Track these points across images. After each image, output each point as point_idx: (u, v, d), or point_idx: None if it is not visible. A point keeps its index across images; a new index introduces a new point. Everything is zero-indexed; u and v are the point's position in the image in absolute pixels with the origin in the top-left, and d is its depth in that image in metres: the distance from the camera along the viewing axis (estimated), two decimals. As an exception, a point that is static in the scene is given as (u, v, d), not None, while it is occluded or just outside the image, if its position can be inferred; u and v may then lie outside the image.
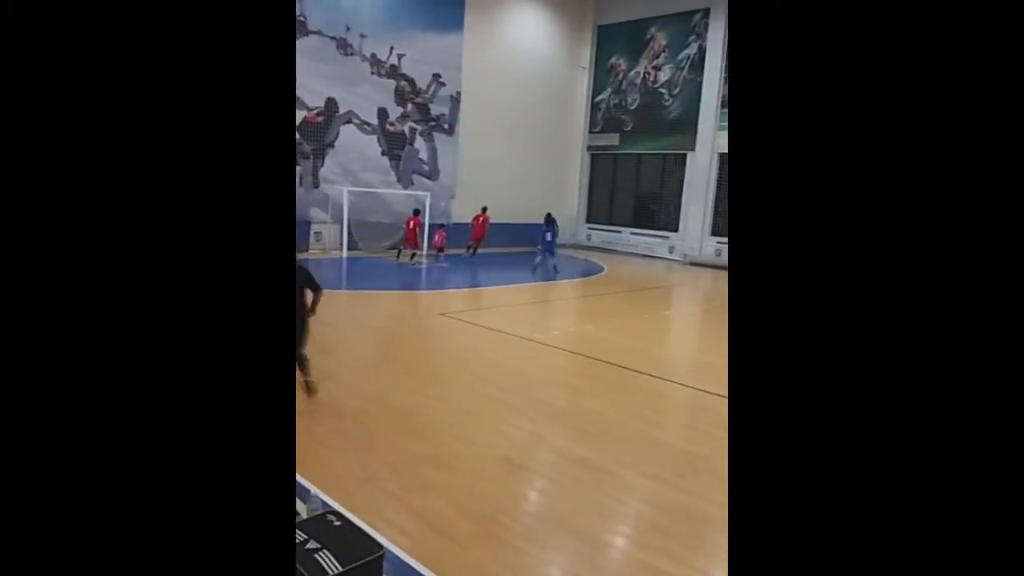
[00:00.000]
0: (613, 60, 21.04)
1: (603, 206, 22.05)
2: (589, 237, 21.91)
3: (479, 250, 16.77)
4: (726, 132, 18.18)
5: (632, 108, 20.64)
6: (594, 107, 21.70)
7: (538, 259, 14.88)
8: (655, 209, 20.38)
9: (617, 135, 21.11)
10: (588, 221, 22.26)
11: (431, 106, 17.58)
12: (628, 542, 3.54)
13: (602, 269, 16.00)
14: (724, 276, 16.23)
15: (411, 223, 14.84)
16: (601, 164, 21.99)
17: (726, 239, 17.83)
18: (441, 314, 9.36)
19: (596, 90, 21.61)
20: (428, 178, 17.82)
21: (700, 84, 18.69)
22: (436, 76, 17.51)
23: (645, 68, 20.19)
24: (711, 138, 18.52)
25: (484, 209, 16.61)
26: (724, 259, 17.65)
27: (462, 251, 16.69)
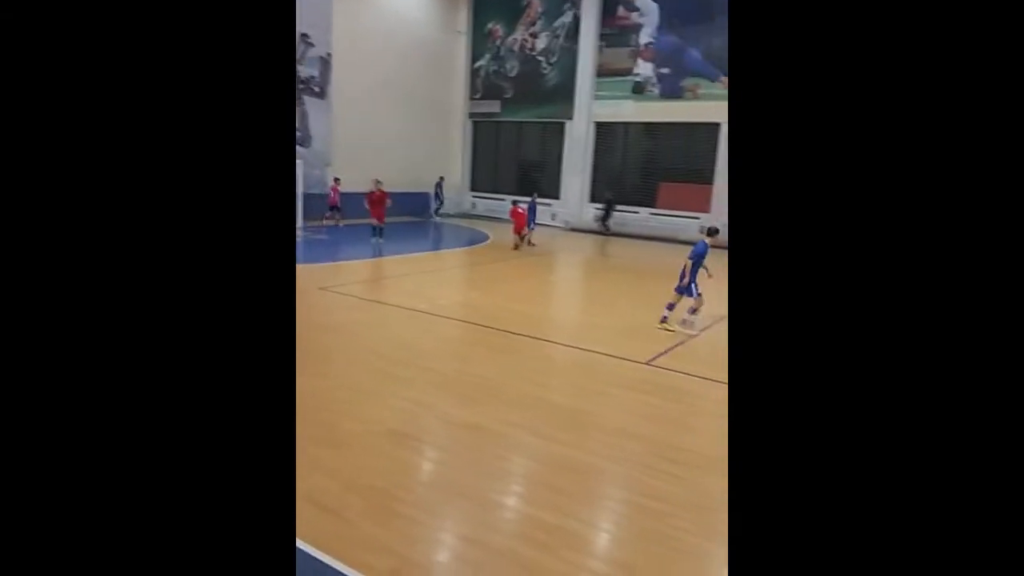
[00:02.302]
0: (490, 26, 20.85)
1: (487, 174, 22.06)
2: (474, 206, 21.90)
3: (382, 227, 15.40)
4: (602, 101, 18.77)
5: (512, 75, 20.65)
6: (474, 73, 21.46)
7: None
8: (537, 177, 20.71)
9: (498, 102, 21.08)
10: (473, 190, 22.20)
11: (300, 67, 16.51)
12: (517, 500, 3.65)
13: (487, 237, 16.08)
14: (604, 240, 16.93)
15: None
16: (484, 132, 21.91)
17: (603, 205, 18.57)
18: (321, 288, 8.98)
19: (475, 56, 21.36)
20: (300, 144, 16.81)
21: (576, 53, 19.03)
22: (304, 36, 16.43)
23: (523, 35, 20.21)
24: (588, 107, 19.01)
25: (378, 183, 13.72)
26: (535, 217, 18.39)
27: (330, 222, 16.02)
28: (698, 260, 7.48)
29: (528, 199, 15.35)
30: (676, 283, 7.68)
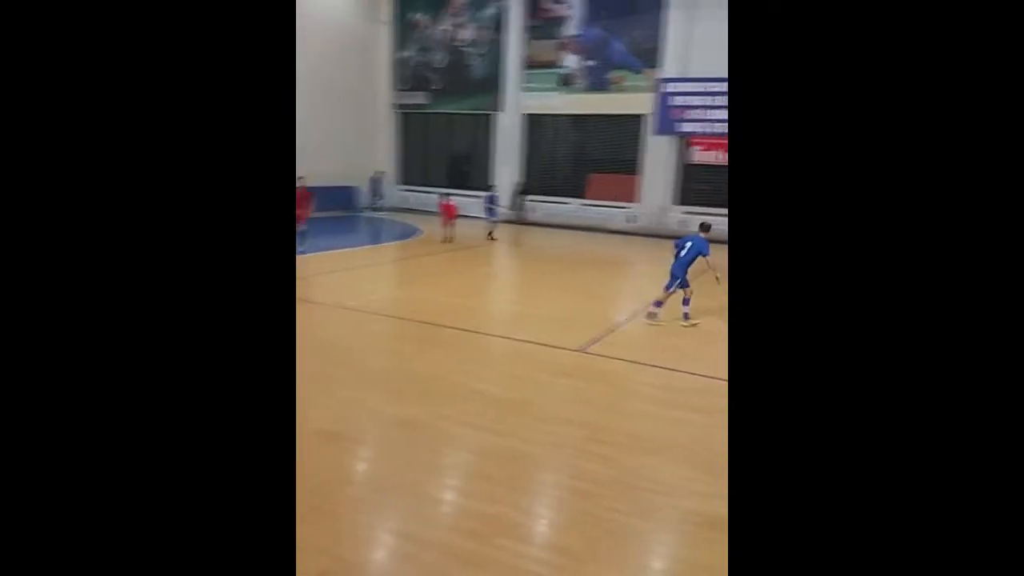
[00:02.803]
0: (415, 16, 20.51)
1: (417, 167, 21.75)
2: (405, 199, 21.57)
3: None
4: (531, 93, 18.86)
5: (439, 67, 20.41)
6: (399, 64, 21.08)
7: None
8: (468, 169, 20.60)
9: (426, 94, 20.79)
10: (403, 183, 21.85)
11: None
12: (453, 492, 3.64)
13: (419, 231, 15.90)
14: (535, 231, 17.07)
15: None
16: (412, 124, 21.56)
17: (538, 197, 18.71)
18: (246, 288, 8.61)
19: (400, 47, 20.97)
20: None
21: (503, 44, 19.02)
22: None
23: (448, 26, 20.00)
24: (517, 99, 19.07)
25: (299, 179, 13.86)
26: (536, 215, 18.53)
27: None
28: (695, 256, 7.29)
29: (458, 192, 15.33)
30: (667, 282, 7.55)
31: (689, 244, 7.36)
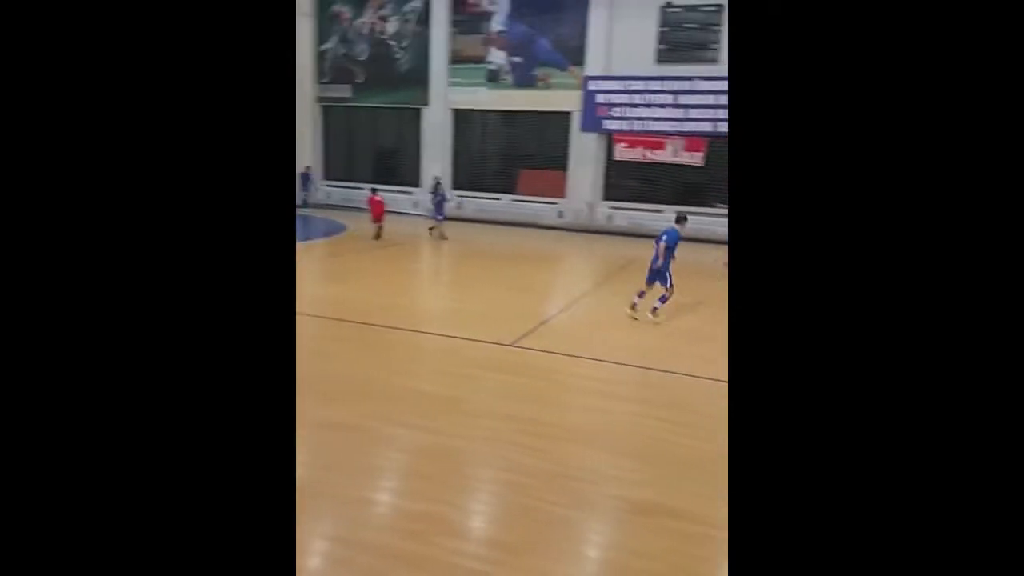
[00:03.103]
0: (337, 8, 19.93)
1: (341, 162, 21.17)
2: (329, 195, 20.96)
3: None
4: (459, 88, 18.74)
5: (362, 59, 19.93)
6: (320, 56, 20.43)
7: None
8: (395, 164, 20.26)
9: (349, 87, 20.25)
10: (326, 178, 21.22)
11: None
12: (386, 493, 3.59)
13: (344, 228, 15.51)
14: (466, 227, 17.02)
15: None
16: (335, 117, 20.96)
17: (468, 193, 18.64)
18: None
19: (321, 39, 20.33)
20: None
21: (428, 38, 18.80)
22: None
23: (371, 18, 19.56)
24: (444, 94, 18.90)
25: None
26: (464, 211, 18.47)
27: None
28: (673, 248, 7.36)
29: (395, 189, 15.06)
30: (646, 274, 7.56)
31: (665, 238, 7.41)
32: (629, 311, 7.68)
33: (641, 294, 7.71)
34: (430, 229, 14.58)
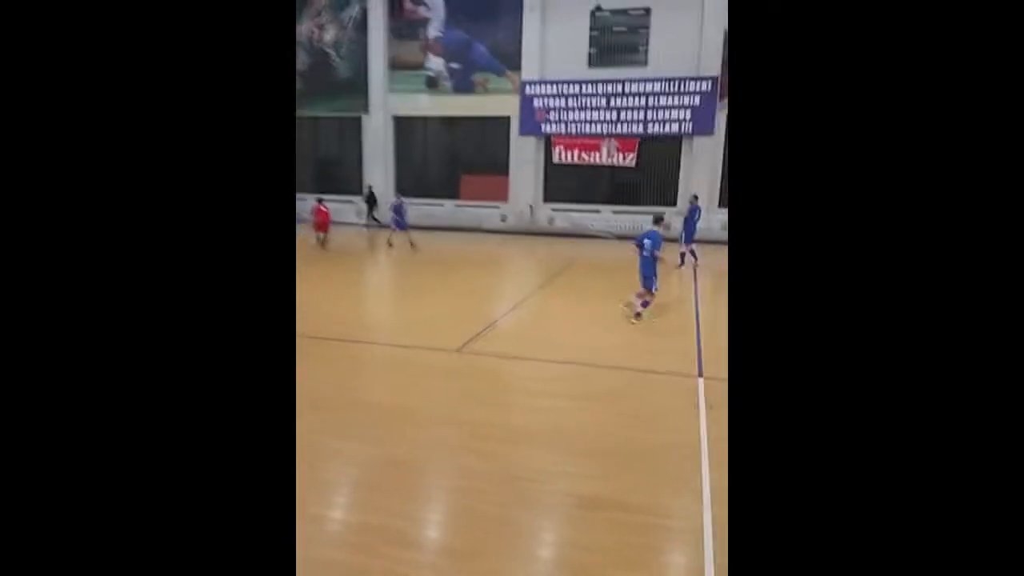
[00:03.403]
0: (269, 14, 19.47)
1: (281, 173, 20.67)
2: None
3: None
4: (399, 95, 18.62)
5: (301, 69, 19.56)
6: (255, 65, 19.90)
7: None
8: (337, 173, 19.95)
9: (286, 96, 19.83)
10: (266, 190, 20.67)
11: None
12: (335, 508, 3.56)
13: (287, 240, 15.14)
14: (410, 234, 16.92)
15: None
16: (272, 127, 20.46)
17: (411, 199, 18.52)
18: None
19: (254, 46, 19.80)
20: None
21: (366, 45, 18.61)
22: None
23: (309, 26, 19.22)
24: (384, 101, 18.75)
25: None
26: (406, 218, 18.32)
27: None
28: (658, 249, 7.35)
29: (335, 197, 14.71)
30: (640, 279, 7.52)
31: (648, 242, 7.41)
32: (634, 320, 7.57)
33: (645, 304, 7.64)
34: (389, 243, 14.29)
